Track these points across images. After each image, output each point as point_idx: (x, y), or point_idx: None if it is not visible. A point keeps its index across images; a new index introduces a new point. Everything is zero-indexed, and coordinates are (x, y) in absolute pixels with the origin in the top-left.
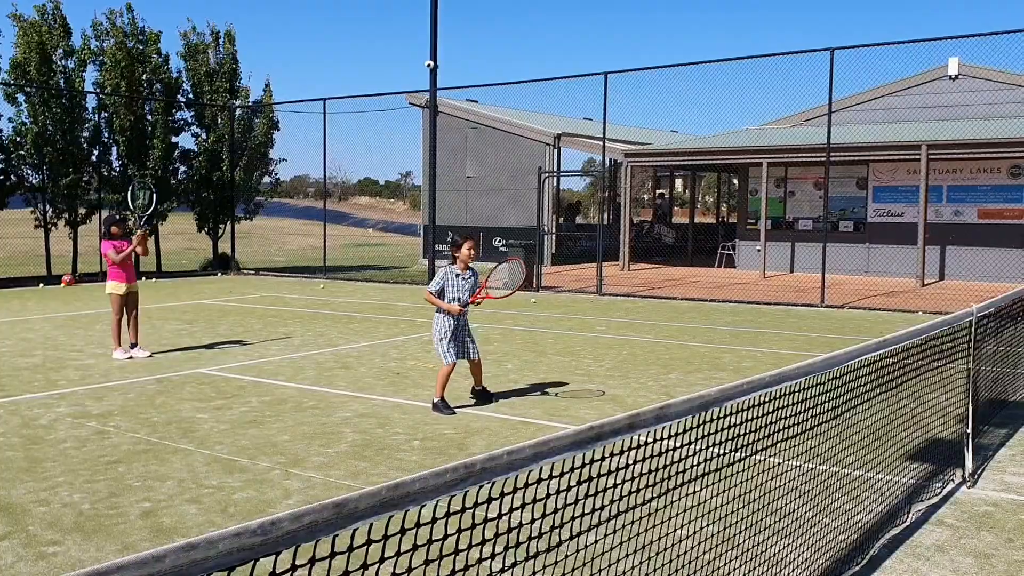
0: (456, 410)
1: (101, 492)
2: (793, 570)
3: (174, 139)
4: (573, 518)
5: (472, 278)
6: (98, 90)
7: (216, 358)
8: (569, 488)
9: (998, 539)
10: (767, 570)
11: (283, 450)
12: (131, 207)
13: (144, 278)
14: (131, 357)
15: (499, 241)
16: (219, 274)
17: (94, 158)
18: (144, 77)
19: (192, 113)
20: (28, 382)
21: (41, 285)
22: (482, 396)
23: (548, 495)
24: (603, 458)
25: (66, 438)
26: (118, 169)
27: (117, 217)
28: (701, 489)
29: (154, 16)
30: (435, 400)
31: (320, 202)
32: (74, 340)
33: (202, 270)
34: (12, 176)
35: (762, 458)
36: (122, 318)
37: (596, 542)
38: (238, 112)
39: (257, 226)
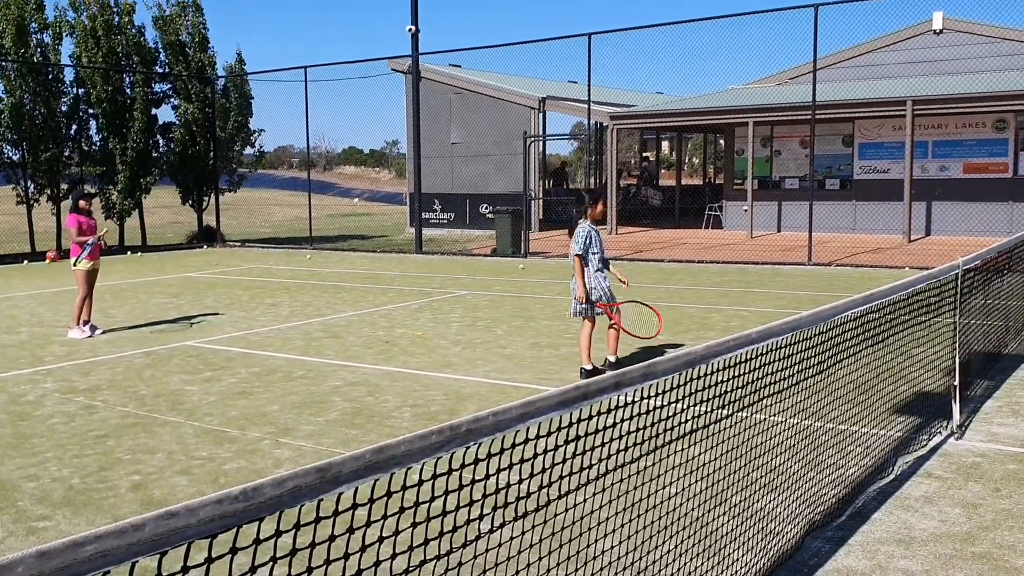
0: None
1: (90, 466)
2: (783, 524)
3: (154, 111)
4: (561, 477)
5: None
6: (74, 62)
7: (204, 330)
8: (557, 448)
9: (985, 489)
10: (757, 525)
11: (273, 420)
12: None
13: (129, 252)
14: (91, 336)
15: (486, 208)
16: (205, 247)
17: (73, 132)
18: (119, 49)
19: (170, 86)
20: (14, 359)
21: (25, 262)
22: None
23: (536, 455)
24: (590, 417)
25: (54, 413)
26: (99, 143)
27: (86, 191)
28: (690, 446)
29: None
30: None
31: (305, 173)
32: (59, 316)
33: (187, 243)
34: None
35: (750, 414)
36: (88, 295)
37: (584, 500)
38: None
39: (242, 198)
